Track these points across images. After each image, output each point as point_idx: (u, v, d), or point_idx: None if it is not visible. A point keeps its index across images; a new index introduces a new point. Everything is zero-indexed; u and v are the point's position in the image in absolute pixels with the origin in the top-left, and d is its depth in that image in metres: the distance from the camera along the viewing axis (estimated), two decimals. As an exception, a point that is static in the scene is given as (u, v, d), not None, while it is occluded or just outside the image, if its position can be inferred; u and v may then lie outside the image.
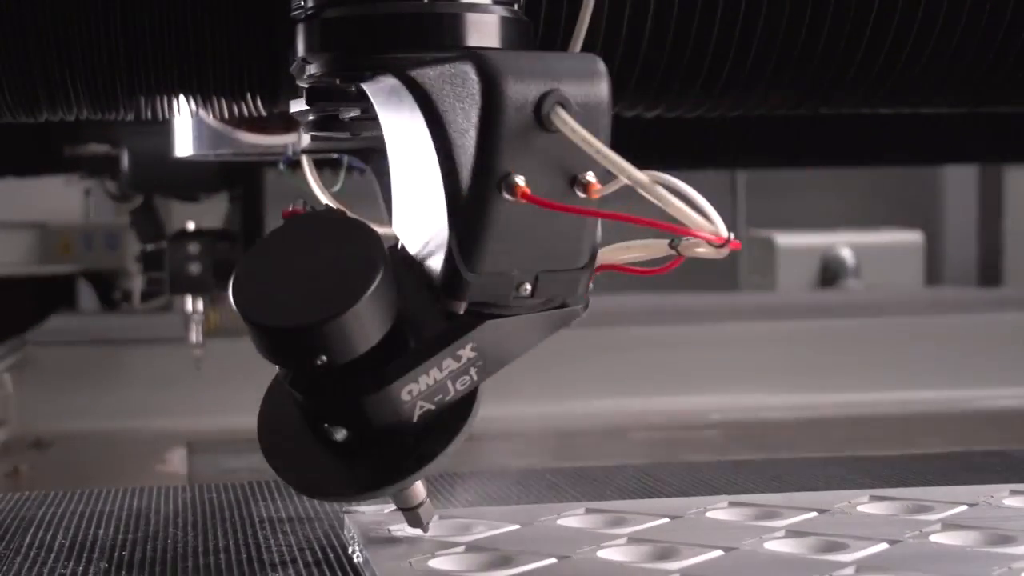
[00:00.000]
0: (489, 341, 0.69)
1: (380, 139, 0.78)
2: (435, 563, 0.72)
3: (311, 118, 0.84)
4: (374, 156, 1.18)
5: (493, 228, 0.67)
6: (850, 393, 2.51)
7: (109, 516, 0.94)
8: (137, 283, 3.36)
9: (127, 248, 3.72)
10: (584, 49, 0.79)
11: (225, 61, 0.96)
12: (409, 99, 0.69)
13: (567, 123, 0.65)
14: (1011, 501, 0.87)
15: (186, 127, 1.31)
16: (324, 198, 1.17)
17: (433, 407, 0.70)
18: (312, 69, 0.78)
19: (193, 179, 2.11)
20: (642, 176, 0.65)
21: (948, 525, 0.79)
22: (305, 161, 1.16)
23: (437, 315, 0.69)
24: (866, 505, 0.86)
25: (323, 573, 0.76)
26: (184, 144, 1.32)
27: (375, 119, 0.77)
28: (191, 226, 2.15)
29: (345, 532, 0.84)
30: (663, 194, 0.64)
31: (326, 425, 0.71)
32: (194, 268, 2.10)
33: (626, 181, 0.65)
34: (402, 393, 0.69)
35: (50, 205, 3.92)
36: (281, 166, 1.36)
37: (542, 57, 0.68)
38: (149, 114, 1.03)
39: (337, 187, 1.26)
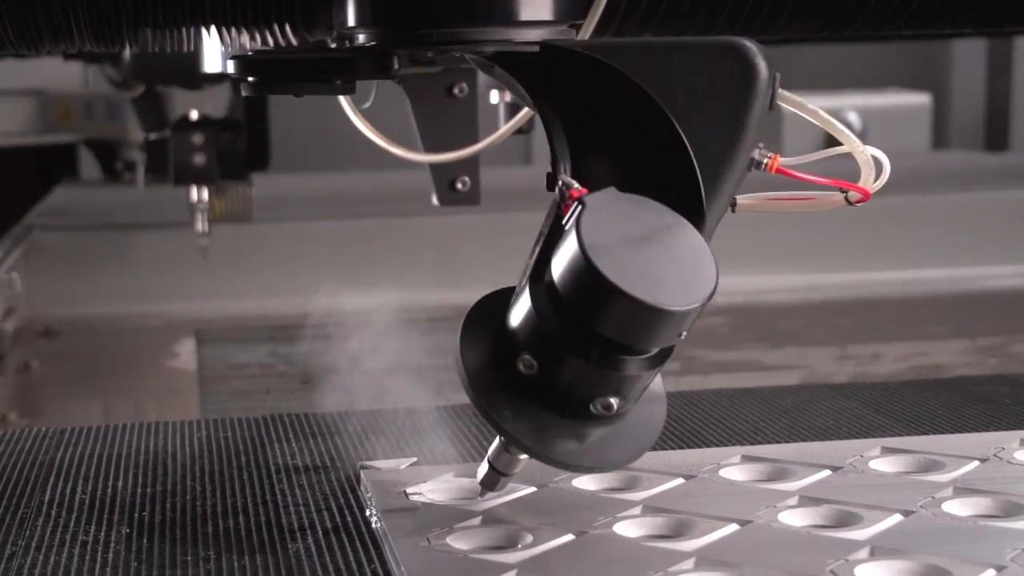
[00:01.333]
0: None
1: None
2: (452, 539, 0.73)
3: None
4: (407, 80, 1.16)
5: (728, 198, 0.72)
6: (854, 273, 2.51)
7: (127, 462, 0.95)
8: (140, 156, 3.35)
9: (128, 118, 3.69)
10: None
11: None
12: (627, 82, 0.70)
13: (796, 100, 0.72)
14: (1021, 454, 0.87)
15: (214, 45, 1.29)
16: (355, 117, 1.16)
17: None
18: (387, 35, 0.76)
19: (196, 67, 2.08)
20: (859, 142, 0.75)
21: (960, 489, 0.80)
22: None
23: None
24: (877, 460, 0.87)
25: (341, 542, 0.77)
26: (213, 61, 1.30)
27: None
28: (194, 115, 2.13)
29: (362, 490, 0.85)
30: (870, 161, 0.76)
31: (599, 400, 0.70)
32: (199, 159, 2.09)
33: (848, 146, 0.74)
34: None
35: (48, 73, 3.87)
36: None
37: (751, 40, 0.72)
38: (157, 46, 1.01)
39: (368, 104, 1.24)
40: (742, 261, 2.52)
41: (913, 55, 4.90)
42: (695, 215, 0.70)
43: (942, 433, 0.99)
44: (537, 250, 0.72)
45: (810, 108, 0.73)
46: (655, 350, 0.70)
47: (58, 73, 3.85)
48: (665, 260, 0.68)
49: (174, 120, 2.18)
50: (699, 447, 0.96)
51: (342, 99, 1.16)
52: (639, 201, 0.70)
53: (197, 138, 2.07)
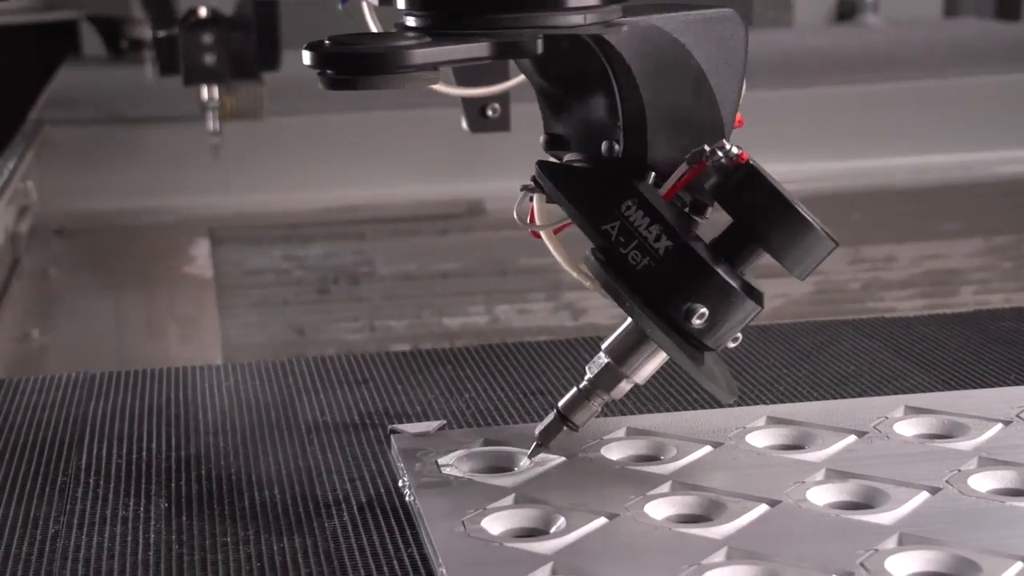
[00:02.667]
0: None
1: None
2: (487, 523, 0.74)
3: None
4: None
5: None
6: (868, 160, 2.50)
7: (159, 421, 0.96)
8: (147, 32, 3.31)
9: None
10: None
11: None
12: (680, 50, 0.78)
13: None
14: (1043, 414, 0.88)
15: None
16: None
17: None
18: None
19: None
20: None
21: (984, 460, 0.81)
22: (365, 5, 1.14)
23: None
24: (902, 422, 0.88)
25: (376, 519, 0.79)
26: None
27: None
28: (203, 12, 2.11)
29: (392, 457, 0.87)
30: None
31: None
32: (209, 58, 2.08)
33: None
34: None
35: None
36: (340, 6, 1.33)
37: None
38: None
39: None
40: (753, 150, 2.51)
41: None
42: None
43: (963, 380, 1.00)
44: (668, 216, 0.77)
45: None
46: None
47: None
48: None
49: (183, 15, 2.16)
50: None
51: (371, 24, 1.14)
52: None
53: (207, 37, 2.06)
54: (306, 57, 0.74)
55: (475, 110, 1.25)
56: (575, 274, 0.83)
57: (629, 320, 0.80)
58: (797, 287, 1.76)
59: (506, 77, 1.19)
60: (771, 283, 1.88)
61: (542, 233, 0.83)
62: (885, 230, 1.99)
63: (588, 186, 0.79)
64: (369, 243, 2.05)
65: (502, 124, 1.26)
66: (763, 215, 0.76)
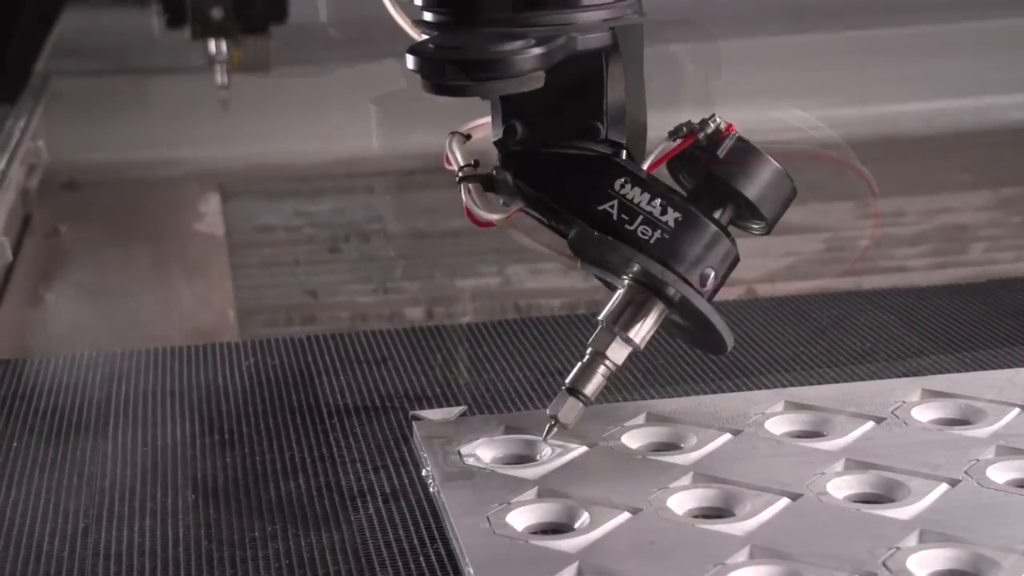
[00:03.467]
0: None
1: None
2: (511, 518, 0.75)
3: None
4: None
5: None
6: (877, 106, 2.49)
7: (181, 404, 0.98)
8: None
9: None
10: None
11: None
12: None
13: None
14: (1059, 397, 0.89)
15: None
16: (391, 8, 1.15)
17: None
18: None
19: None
20: None
21: (1002, 449, 0.82)
22: None
23: None
24: (919, 408, 0.88)
25: (401, 511, 0.80)
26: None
27: None
28: (210, -35, 2.10)
29: (415, 445, 0.88)
30: None
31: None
32: (216, 12, 2.07)
33: None
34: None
35: None
36: None
37: None
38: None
39: None
40: (763, 97, 2.51)
41: None
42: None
43: (978, 357, 1.01)
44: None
45: None
46: None
47: None
48: None
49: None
50: (739, 376, 0.98)
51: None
52: None
53: (213, -10, 2.05)
54: (411, 62, 0.79)
55: None
56: (557, 257, 0.85)
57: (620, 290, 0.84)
58: (808, 245, 1.77)
59: None
60: (781, 240, 1.88)
61: (509, 228, 0.85)
62: (895, 182, 1.99)
63: (571, 171, 0.82)
64: (379, 197, 2.05)
65: None
66: (754, 178, 0.82)
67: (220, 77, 2.15)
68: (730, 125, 0.82)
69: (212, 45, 2.12)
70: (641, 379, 0.99)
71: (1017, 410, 0.88)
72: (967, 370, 0.98)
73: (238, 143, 2.32)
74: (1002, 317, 1.10)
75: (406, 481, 0.84)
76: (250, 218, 1.99)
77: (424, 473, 0.84)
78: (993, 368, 0.98)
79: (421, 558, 0.74)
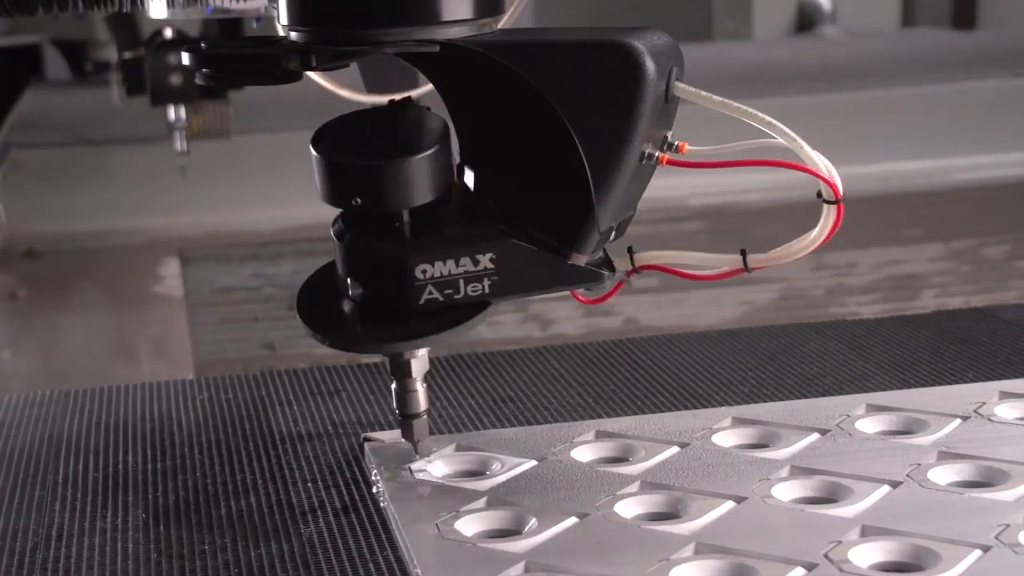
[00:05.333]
0: (507, 263, 0.78)
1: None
2: (460, 524, 0.76)
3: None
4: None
5: (623, 191, 0.75)
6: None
7: (134, 434, 0.98)
8: (111, 54, 3.32)
9: (95, 17, 3.65)
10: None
11: None
12: (518, 78, 0.74)
13: (692, 91, 0.76)
14: (1002, 409, 0.91)
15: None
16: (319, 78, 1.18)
17: (441, 299, 0.77)
18: (314, 34, 0.78)
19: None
20: (786, 128, 0.79)
21: (943, 454, 0.83)
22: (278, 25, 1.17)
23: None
24: (863, 420, 0.90)
25: (351, 524, 0.80)
26: (158, 8, 1.30)
27: None
28: (168, 33, 2.13)
29: (367, 464, 0.88)
30: (798, 141, 0.79)
31: (348, 280, 0.79)
32: (175, 79, 2.09)
33: (765, 130, 0.78)
34: (416, 269, 0.77)
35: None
36: (254, 23, 1.35)
37: (643, 35, 0.75)
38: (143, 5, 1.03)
39: None
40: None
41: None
42: (585, 208, 0.75)
43: (923, 378, 1.02)
44: None
45: (705, 96, 0.76)
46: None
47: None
48: (378, 137, 0.76)
49: (148, 37, 2.18)
50: (689, 399, 0.99)
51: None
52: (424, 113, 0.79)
53: (173, 58, 2.07)
54: (185, 58, 0.80)
55: None
56: None
57: None
58: (762, 294, 1.79)
59: (415, 85, 1.21)
60: (736, 291, 1.90)
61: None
62: (847, 236, 2.01)
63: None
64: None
65: None
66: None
67: (179, 144, 2.17)
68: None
69: (171, 112, 2.14)
70: (592, 403, 1.00)
71: (958, 421, 0.89)
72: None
73: (198, 211, 2.33)
74: (948, 343, 1.11)
75: (357, 498, 0.84)
76: (209, 281, 2.00)
77: (375, 491, 0.85)
78: (939, 388, 1.00)
79: (371, 564, 0.75)
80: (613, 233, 0.79)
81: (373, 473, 0.86)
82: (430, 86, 1.15)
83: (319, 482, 0.87)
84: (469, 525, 0.77)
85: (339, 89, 1.19)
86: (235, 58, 0.84)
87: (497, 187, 0.78)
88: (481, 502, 0.79)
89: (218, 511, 0.83)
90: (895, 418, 0.90)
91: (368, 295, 0.78)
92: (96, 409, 1.04)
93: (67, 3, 1.01)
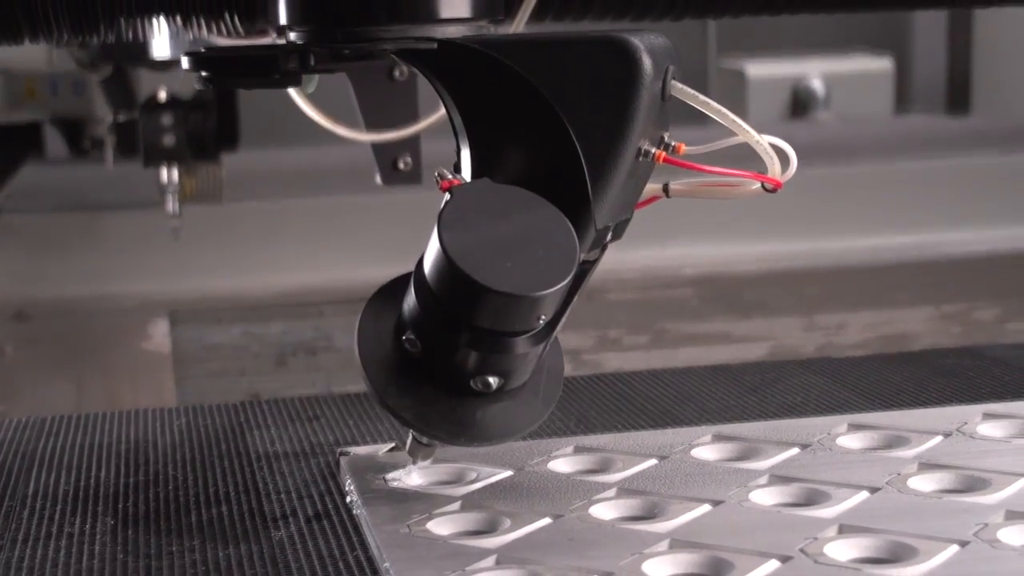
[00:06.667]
0: (574, 285, 0.77)
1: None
2: (432, 524, 0.75)
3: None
4: (351, 66, 1.19)
5: (619, 188, 0.75)
6: (820, 241, 2.54)
7: (108, 452, 0.97)
8: (108, 135, 3.35)
9: (94, 95, 3.67)
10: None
11: None
12: (515, 75, 0.74)
13: (690, 92, 0.75)
14: (984, 428, 0.90)
15: (163, 30, 1.31)
16: (300, 101, 1.19)
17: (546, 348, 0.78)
18: (313, 33, 0.79)
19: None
20: (756, 134, 0.75)
21: (924, 464, 0.82)
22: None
23: None
24: (845, 436, 0.89)
25: (323, 529, 0.79)
26: (161, 47, 1.32)
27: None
28: (163, 95, 2.14)
29: (342, 475, 0.87)
30: (770, 151, 0.76)
31: (477, 377, 0.75)
32: (168, 140, 2.10)
33: (743, 136, 0.75)
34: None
35: (12, 51, 3.86)
36: None
37: (641, 33, 0.74)
38: (129, 35, 1.04)
39: (312, 88, 1.26)
40: (709, 232, 2.55)
41: (875, 17, 4.92)
42: (581, 204, 0.74)
43: (907, 406, 1.01)
44: None
45: (702, 100, 0.75)
46: (521, 331, 0.74)
47: (22, 51, 3.84)
48: (524, 248, 0.72)
49: (143, 100, 2.19)
50: (671, 423, 0.98)
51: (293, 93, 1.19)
52: (508, 191, 0.75)
53: (166, 119, 2.08)
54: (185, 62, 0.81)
55: (387, 163, 1.28)
56: None
57: None
58: (751, 351, 1.78)
59: (415, 118, 1.21)
60: (724, 348, 1.90)
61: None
62: (838, 301, 2.02)
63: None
64: (328, 320, 2.06)
65: (413, 177, 1.29)
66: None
67: (171, 206, 2.17)
68: (444, 180, 0.75)
69: (163, 174, 2.15)
70: (573, 426, 0.99)
71: (940, 437, 0.88)
72: (896, 418, 0.98)
73: (189, 275, 2.33)
74: (932, 376, 1.10)
75: (330, 507, 0.83)
76: (198, 339, 2.00)
77: (349, 500, 0.83)
78: (922, 416, 0.98)
79: (340, 563, 0.73)
80: (610, 234, 0.78)
81: (347, 483, 0.84)
82: (438, 114, 1.16)
83: (292, 493, 0.86)
84: (441, 526, 0.75)
85: (336, 127, 1.19)
86: (234, 60, 0.84)
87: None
88: (455, 506, 0.78)
89: (188, 518, 0.82)
90: (877, 435, 0.89)
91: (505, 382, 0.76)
92: (71, 432, 1.03)
93: (52, 30, 1.02)
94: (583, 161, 0.74)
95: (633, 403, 1.05)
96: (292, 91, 1.18)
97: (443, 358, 0.75)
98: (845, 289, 2.13)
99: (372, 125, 1.24)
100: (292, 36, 0.82)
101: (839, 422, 0.92)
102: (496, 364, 0.75)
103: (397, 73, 1.23)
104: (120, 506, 0.85)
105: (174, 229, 2.20)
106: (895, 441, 0.88)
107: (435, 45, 0.76)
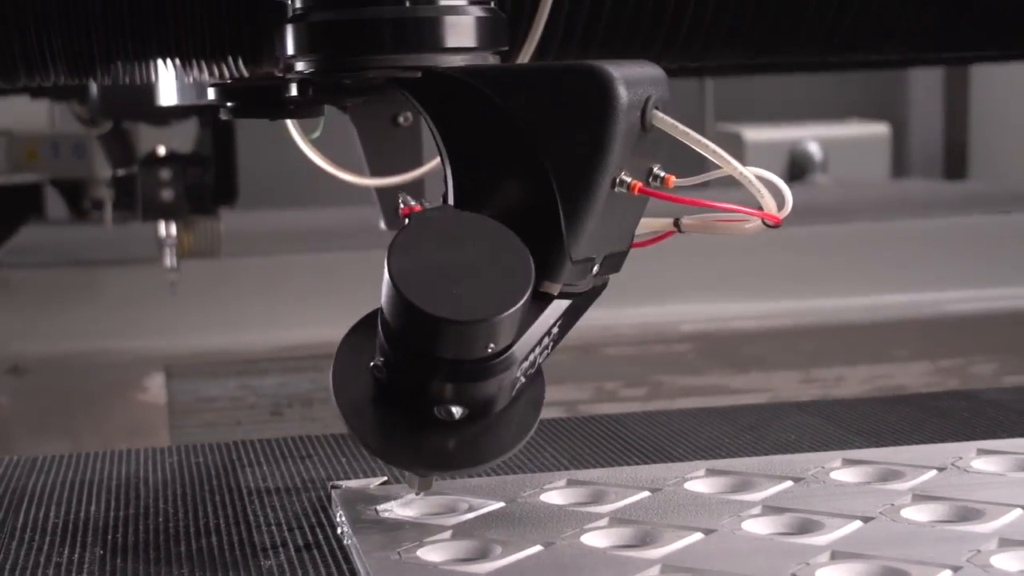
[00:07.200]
0: (565, 318, 0.77)
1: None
2: (423, 552, 0.74)
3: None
4: (354, 111, 1.20)
5: (597, 220, 0.74)
6: (819, 299, 2.53)
7: (99, 488, 0.96)
8: (107, 194, 3.36)
9: (95, 157, 3.69)
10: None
11: (205, 26, 0.97)
12: (493, 103, 0.74)
13: (670, 123, 0.73)
14: (979, 463, 0.89)
15: (169, 77, 1.31)
16: (304, 145, 1.19)
17: (524, 380, 0.77)
18: (317, 64, 0.80)
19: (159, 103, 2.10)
20: (739, 165, 0.73)
21: (918, 496, 0.82)
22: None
23: (533, 297, 0.74)
24: (839, 471, 0.88)
25: (313, 558, 0.78)
26: (168, 94, 1.32)
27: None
28: (162, 151, 2.15)
29: (333, 508, 0.87)
30: (756, 182, 0.73)
31: (440, 406, 0.75)
32: (166, 194, 2.11)
33: (727, 169, 0.73)
34: (518, 371, 0.76)
35: (14, 114, 3.88)
36: None
37: (626, 66, 0.74)
38: (127, 79, 1.04)
39: (317, 133, 1.27)
40: (707, 289, 2.55)
41: (871, 86, 4.96)
42: (554, 235, 0.74)
43: (902, 445, 1.01)
44: None
45: (682, 130, 0.74)
46: (474, 359, 0.73)
47: (24, 113, 3.86)
48: (474, 276, 0.72)
49: (142, 156, 2.20)
50: (664, 460, 0.98)
51: (292, 130, 1.20)
52: (469, 218, 0.75)
53: (165, 173, 2.09)
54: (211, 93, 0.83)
55: (391, 208, 1.28)
56: None
57: None
58: (748, 401, 1.77)
59: (419, 163, 1.22)
60: (720, 399, 1.89)
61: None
62: (836, 356, 2.02)
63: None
64: (325, 373, 2.05)
65: None
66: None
67: (169, 260, 2.18)
68: (404, 207, 0.76)
69: (161, 227, 2.15)
70: (566, 463, 0.98)
71: (935, 471, 0.88)
72: (891, 456, 0.98)
73: (185, 331, 2.33)
74: (927, 417, 1.10)
75: (321, 538, 0.83)
76: (193, 391, 1.99)
77: (340, 531, 0.83)
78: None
79: (329, 589, 0.73)
80: (597, 267, 0.77)
81: (338, 514, 0.84)
82: (430, 166, 1.16)
83: (283, 525, 0.85)
84: (432, 553, 0.75)
85: (340, 172, 1.19)
86: (242, 91, 0.85)
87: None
88: (446, 534, 0.78)
89: (178, 547, 0.81)
90: (871, 469, 0.89)
91: (470, 411, 0.75)
92: (63, 470, 1.02)
93: (48, 71, 1.03)
94: (557, 191, 0.73)
95: (626, 441, 1.04)
96: (297, 137, 1.19)
97: (405, 386, 0.75)
98: (843, 345, 2.13)
99: (376, 171, 1.24)
100: (298, 67, 0.82)
101: (833, 457, 0.91)
102: (460, 393, 0.74)
103: (401, 119, 1.24)
104: (110, 537, 0.84)
105: (171, 283, 2.20)
106: (889, 475, 0.87)
107: (419, 74, 0.77)
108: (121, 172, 2.19)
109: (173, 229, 2.15)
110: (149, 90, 1.73)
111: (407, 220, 0.74)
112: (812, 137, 4.44)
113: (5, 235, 3.51)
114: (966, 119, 4.74)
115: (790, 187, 0.76)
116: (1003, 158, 4.55)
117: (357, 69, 0.79)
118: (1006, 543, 0.72)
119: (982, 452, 0.92)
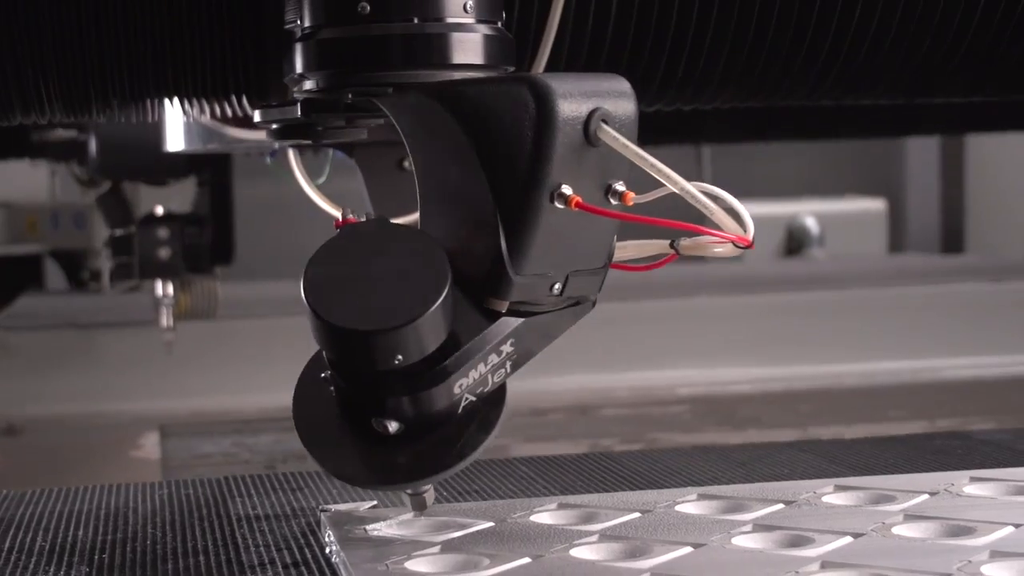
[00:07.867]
0: (523, 337, 0.76)
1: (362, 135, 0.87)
2: (411, 564, 0.74)
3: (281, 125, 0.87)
4: (358, 149, 1.21)
5: (540, 234, 0.73)
6: (816, 365, 2.54)
7: (87, 516, 0.95)
8: (106, 263, 3.37)
9: (94, 227, 3.72)
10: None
11: (208, 65, 0.97)
12: (443, 115, 0.73)
13: (613, 136, 0.72)
14: (971, 488, 0.89)
15: (176, 122, 1.32)
16: (309, 190, 1.20)
17: (475, 399, 0.75)
18: (315, 83, 0.80)
19: (161, 164, 2.11)
20: (685, 182, 0.71)
21: (910, 516, 0.81)
22: (292, 156, 1.19)
23: (478, 313, 0.74)
24: (831, 495, 0.88)
25: (301, 574, 0.78)
26: (175, 139, 1.33)
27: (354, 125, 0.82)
28: (159, 210, 2.16)
29: (322, 531, 0.86)
30: (703, 199, 0.71)
31: (376, 419, 0.74)
32: (164, 253, 2.11)
33: (671, 188, 0.71)
34: (454, 387, 0.74)
35: (15, 185, 3.91)
36: (268, 159, 1.37)
37: (580, 78, 0.73)
38: (123, 118, 1.04)
39: (322, 179, 1.28)
40: (704, 354, 2.55)
41: (868, 162, 4.99)
42: (494, 247, 0.73)
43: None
44: None
45: (632, 149, 0.72)
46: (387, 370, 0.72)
47: (24, 184, 3.89)
48: (388, 288, 0.72)
49: (140, 216, 2.20)
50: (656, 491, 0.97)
51: (296, 172, 1.20)
52: (397, 230, 0.75)
53: (162, 232, 2.09)
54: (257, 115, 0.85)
55: None
56: None
57: None
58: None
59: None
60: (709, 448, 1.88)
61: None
62: (833, 416, 2.01)
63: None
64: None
65: None
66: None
67: (166, 320, 2.17)
68: (336, 220, 0.76)
69: (158, 287, 2.15)
70: (556, 491, 0.98)
71: (927, 495, 0.87)
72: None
73: (180, 392, 2.32)
74: (922, 455, 1.10)
75: (309, 557, 0.82)
76: (188, 449, 1.98)
77: (328, 551, 0.82)
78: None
79: (316, 601, 0.72)
80: (559, 285, 0.75)
81: (327, 534, 0.83)
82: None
83: (272, 546, 0.85)
84: (420, 566, 0.74)
85: (339, 212, 1.20)
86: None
87: (438, 230, 0.77)
88: (434, 549, 0.77)
89: (164, 566, 0.81)
90: (863, 494, 0.88)
91: (408, 425, 0.75)
92: (51, 501, 1.02)
93: (44, 109, 1.03)
94: (495, 203, 0.72)
95: (619, 475, 1.04)
96: (302, 181, 1.20)
97: (344, 397, 0.75)
98: (840, 407, 2.13)
99: (381, 213, 1.25)
100: (306, 86, 0.83)
101: (826, 484, 0.91)
102: (394, 407, 0.74)
103: (406, 163, 1.24)
104: (96, 558, 0.84)
105: (167, 343, 2.20)
106: (881, 498, 0.87)
107: (389, 90, 0.77)
108: (119, 232, 2.19)
109: (170, 289, 2.15)
110: (147, 149, 1.74)
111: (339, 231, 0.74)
112: (809, 212, 4.46)
113: (3, 304, 3.52)
114: (962, 193, 4.76)
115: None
116: (1001, 231, 4.57)
117: (336, 87, 0.80)
118: (997, 555, 0.72)
119: (975, 479, 0.91)
